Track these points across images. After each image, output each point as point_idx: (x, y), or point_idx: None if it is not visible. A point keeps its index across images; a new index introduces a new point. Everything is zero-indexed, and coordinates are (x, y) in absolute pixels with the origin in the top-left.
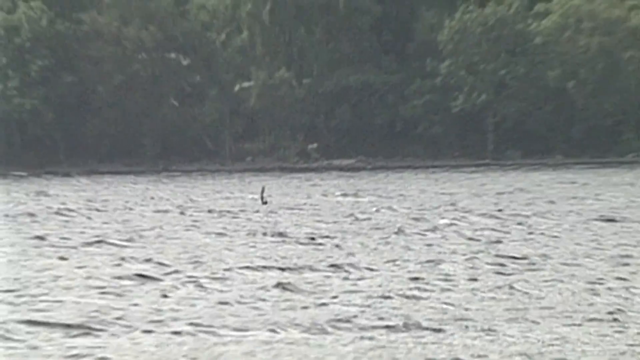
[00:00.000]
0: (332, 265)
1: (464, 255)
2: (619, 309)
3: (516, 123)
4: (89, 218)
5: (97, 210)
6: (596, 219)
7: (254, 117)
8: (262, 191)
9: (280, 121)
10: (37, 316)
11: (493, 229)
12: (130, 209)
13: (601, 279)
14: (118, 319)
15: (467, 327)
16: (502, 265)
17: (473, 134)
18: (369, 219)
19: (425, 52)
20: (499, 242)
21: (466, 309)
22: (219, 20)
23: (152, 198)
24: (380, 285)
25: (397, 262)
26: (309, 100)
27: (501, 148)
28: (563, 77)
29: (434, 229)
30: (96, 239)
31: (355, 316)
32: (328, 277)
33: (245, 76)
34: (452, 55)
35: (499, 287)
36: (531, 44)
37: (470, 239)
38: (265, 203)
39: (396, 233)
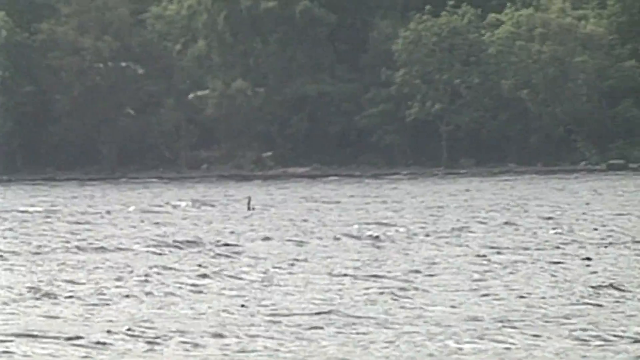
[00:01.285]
0: None
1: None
2: None
3: (470, 132)
4: None
5: None
6: None
7: (210, 126)
8: (249, 201)
9: (237, 129)
10: None
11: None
12: None
13: None
14: None
15: None
16: None
17: (427, 143)
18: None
19: (380, 61)
20: None
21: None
22: (175, 29)
23: None
24: None
25: None
26: (265, 109)
27: (455, 157)
28: (516, 86)
29: None
30: None
31: None
32: None
33: (201, 85)
34: (407, 64)
35: None
36: (485, 53)
37: None
38: (252, 209)
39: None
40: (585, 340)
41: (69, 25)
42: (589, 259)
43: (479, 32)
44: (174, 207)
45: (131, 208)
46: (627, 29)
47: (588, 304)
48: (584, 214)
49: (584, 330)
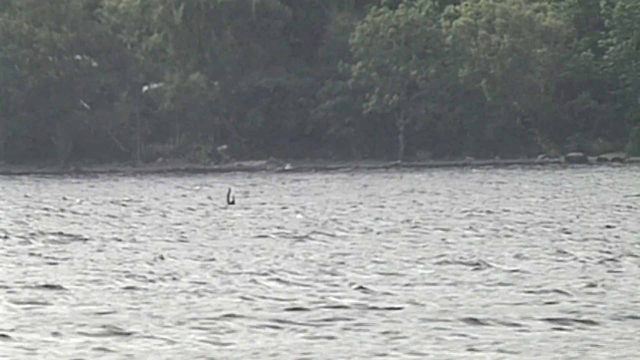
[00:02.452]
0: None
1: None
2: None
3: (427, 124)
4: None
5: None
6: None
7: (165, 119)
8: (229, 193)
9: (192, 123)
10: None
11: None
12: None
13: None
14: None
15: None
16: None
17: (384, 136)
18: None
19: (337, 54)
20: None
21: None
22: (129, 22)
23: None
24: None
25: None
26: (220, 103)
27: (412, 149)
28: (473, 77)
29: None
30: None
31: None
32: None
33: (156, 78)
34: (363, 57)
35: None
36: (442, 45)
37: None
38: (232, 203)
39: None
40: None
41: (23, 17)
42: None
43: (436, 24)
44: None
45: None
46: (583, 21)
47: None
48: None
49: None
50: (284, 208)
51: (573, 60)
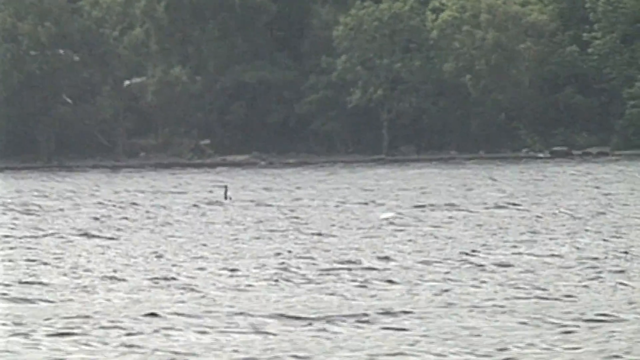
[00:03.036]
0: None
1: None
2: None
3: (411, 118)
4: None
5: None
6: None
7: (148, 113)
8: (226, 190)
9: (175, 117)
10: None
11: None
12: None
13: None
14: None
15: None
16: None
17: (368, 130)
18: None
19: (321, 48)
20: None
21: None
22: (112, 16)
23: None
24: None
25: None
26: (204, 97)
27: (396, 144)
28: (458, 72)
29: None
30: None
31: None
32: None
33: (139, 73)
34: (347, 51)
35: None
36: (426, 38)
37: None
38: (229, 199)
39: None
40: None
41: (6, 12)
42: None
43: (421, 18)
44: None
45: None
46: (568, 15)
47: None
48: None
49: None
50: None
51: (558, 54)
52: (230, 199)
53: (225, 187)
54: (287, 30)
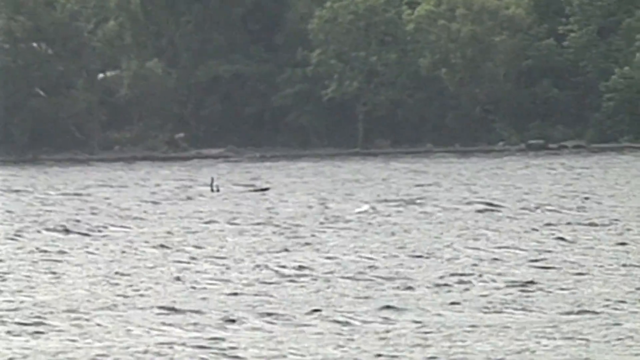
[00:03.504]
0: None
1: None
2: None
3: (386, 111)
4: None
5: None
6: None
7: (122, 107)
8: (212, 182)
9: (150, 110)
10: None
11: None
12: None
13: None
14: None
15: None
16: None
17: (343, 123)
18: None
19: (296, 41)
20: None
21: None
22: (87, 9)
23: None
24: None
25: None
26: (178, 90)
27: (371, 137)
28: (434, 65)
29: None
30: None
31: None
32: None
33: (113, 66)
34: (323, 44)
35: None
36: (402, 31)
37: None
38: (216, 190)
39: None
40: None
41: None
42: None
43: (397, 11)
44: None
45: None
46: (544, 8)
47: None
48: None
49: None
50: None
51: (534, 47)
52: (218, 190)
53: (212, 178)
54: (263, 23)
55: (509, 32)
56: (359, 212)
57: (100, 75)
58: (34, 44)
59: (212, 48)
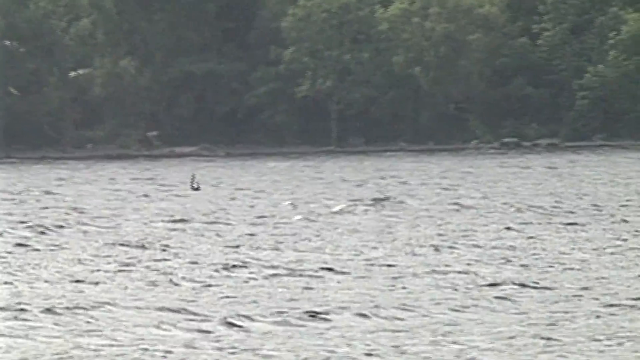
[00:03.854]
0: None
1: None
2: None
3: (360, 110)
4: None
5: None
6: None
7: (95, 105)
8: (192, 179)
9: (122, 109)
10: None
11: None
12: None
13: None
14: None
15: None
16: None
17: (317, 121)
18: None
19: (269, 39)
20: None
21: None
22: (60, 7)
23: None
24: None
25: None
26: (151, 88)
27: (345, 135)
28: (408, 63)
29: None
30: None
31: None
32: None
33: (86, 64)
34: (296, 42)
35: None
36: (376, 30)
37: None
38: (197, 189)
39: None
40: None
41: None
42: None
43: (370, 9)
44: None
45: None
46: (517, 6)
47: None
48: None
49: None
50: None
51: (508, 46)
52: (198, 189)
53: (193, 175)
54: (235, 21)
55: (483, 31)
56: (334, 211)
57: (72, 74)
58: (7, 42)
59: (185, 46)
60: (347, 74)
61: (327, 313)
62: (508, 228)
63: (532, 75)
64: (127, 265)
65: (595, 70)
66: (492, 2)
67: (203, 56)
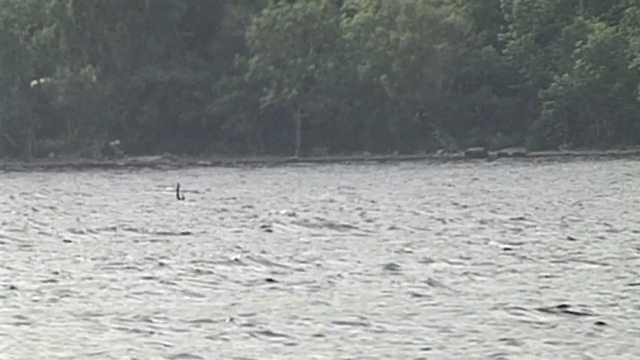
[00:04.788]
0: None
1: None
2: None
3: (324, 119)
4: None
5: None
6: None
7: (57, 114)
8: (178, 188)
9: (85, 117)
10: None
11: None
12: None
13: None
14: None
15: None
16: None
17: (281, 131)
18: None
19: (232, 48)
20: None
21: None
22: (22, 16)
23: None
24: None
25: None
26: (114, 97)
27: (309, 144)
28: (373, 72)
29: None
30: None
31: None
32: None
33: (48, 72)
34: (260, 51)
35: None
36: (340, 39)
37: None
38: (182, 198)
39: None
40: None
41: None
42: None
43: (335, 18)
44: None
45: None
46: (482, 15)
47: None
48: None
49: None
50: None
51: (473, 55)
52: (183, 198)
53: (177, 185)
54: (198, 29)
55: (448, 40)
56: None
57: (34, 82)
58: None
59: (148, 54)
60: (311, 83)
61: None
62: (484, 241)
63: (497, 84)
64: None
65: (561, 80)
66: (456, 11)
67: (166, 64)
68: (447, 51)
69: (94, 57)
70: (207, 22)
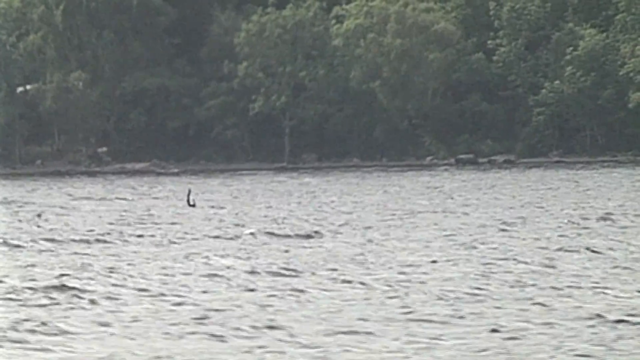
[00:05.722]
0: None
1: None
2: None
3: (313, 126)
4: None
5: None
6: None
7: (44, 120)
8: (189, 194)
9: (72, 124)
10: None
11: None
12: None
13: None
14: None
15: None
16: None
17: (270, 138)
18: None
19: (221, 54)
20: None
21: None
22: (9, 22)
23: None
24: None
25: None
26: (102, 103)
27: (298, 152)
28: (363, 79)
29: None
30: None
31: None
32: None
33: (35, 79)
34: (249, 57)
35: None
36: (330, 46)
37: None
38: (192, 205)
39: None
40: None
41: None
42: None
43: (325, 25)
44: None
45: None
46: (472, 22)
47: None
48: None
49: None
50: None
51: (463, 62)
52: (194, 205)
53: (189, 190)
54: (187, 35)
55: (439, 47)
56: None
57: (20, 89)
58: None
59: (135, 61)
60: (300, 90)
61: None
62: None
63: (487, 91)
64: None
65: (552, 86)
66: (446, 18)
67: (154, 71)
68: (436, 58)
69: (81, 63)
70: (196, 28)
